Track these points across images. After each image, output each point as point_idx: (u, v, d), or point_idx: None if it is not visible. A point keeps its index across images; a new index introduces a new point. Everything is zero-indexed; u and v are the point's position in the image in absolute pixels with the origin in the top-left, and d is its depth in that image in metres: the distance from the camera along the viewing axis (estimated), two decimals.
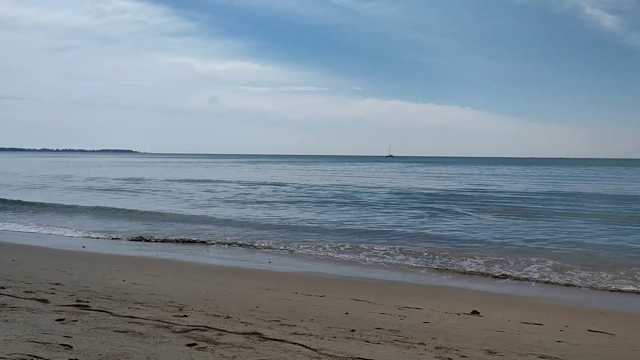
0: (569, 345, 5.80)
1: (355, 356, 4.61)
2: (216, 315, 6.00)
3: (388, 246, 15.38)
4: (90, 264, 11.17)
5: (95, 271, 9.98)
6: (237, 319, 5.84)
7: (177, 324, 5.35)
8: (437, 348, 5.21)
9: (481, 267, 12.75)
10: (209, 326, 5.34)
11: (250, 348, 4.59)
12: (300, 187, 40.64)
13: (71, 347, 4.27)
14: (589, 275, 11.95)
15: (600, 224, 20.42)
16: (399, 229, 18.85)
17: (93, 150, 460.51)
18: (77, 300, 6.34)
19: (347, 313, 6.88)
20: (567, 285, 11.38)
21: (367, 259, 13.96)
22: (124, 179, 49.38)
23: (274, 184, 45.27)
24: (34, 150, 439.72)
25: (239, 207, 26.14)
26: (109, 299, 6.75)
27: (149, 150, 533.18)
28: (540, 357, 5.10)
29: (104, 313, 5.73)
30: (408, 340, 5.46)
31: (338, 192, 36.64)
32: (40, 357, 3.91)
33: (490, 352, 5.16)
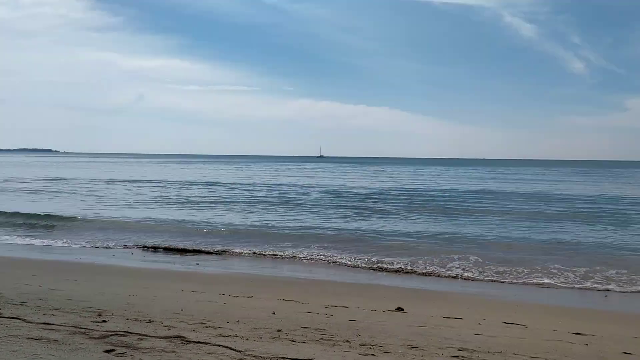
0: (485, 337, 6.06)
1: (281, 356, 4.61)
2: (138, 320, 5.82)
3: (317, 245, 15.50)
4: (3, 269, 10.55)
5: (9, 276, 9.42)
6: (160, 323, 5.69)
7: (95, 330, 5.14)
8: (361, 345, 5.30)
9: (407, 265, 13.09)
10: (130, 331, 5.17)
11: (172, 352, 4.49)
12: (231, 188, 40.17)
13: None
14: (507, 270, 12.55)
15: (517, 221, 21.50)
16: (328, 228, 19.03)
17: (9, 150, 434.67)
18: None
19: (274, 313, 6.87)
20: (486, 280, 11.90)
21: (295, 258, 14.00)
22: (44, 180, 46.91)
23: (205, 184, 44.48)
24: None
25: (165, 208, 25.49)
26: (23, 305, 6.39)
27: (71, 150, 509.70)
28: (459, 350, 5.29)
29: (17, 320, 5.42)
30: (334, 339, 5.52)
31: (268, 192, 36.52)
32: None
33: (412, 347, 5.31)
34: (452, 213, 24.58)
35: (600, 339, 6.45)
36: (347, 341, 5.42)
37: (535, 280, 11.77)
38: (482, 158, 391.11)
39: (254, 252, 14.65)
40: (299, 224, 20.04)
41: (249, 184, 45.10)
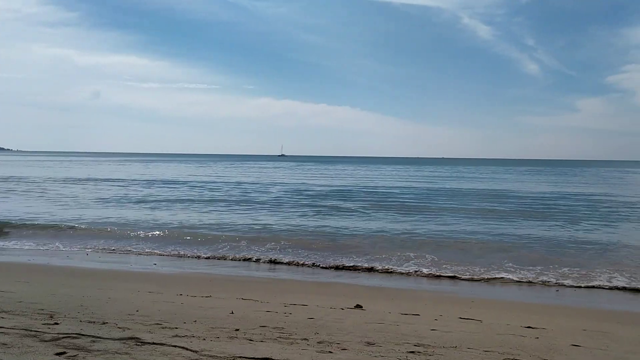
0: (441, 332, 6.17)
1: (237, 355, 4.58)
2: (91, 322, 5.68)
3: (277, 244, 15.45)
4: None
5: None
6: (114, 325, 5.57)
7: (46, 333, 4.99)
8: (319, 342, 5.31)
9: (365, 263, 13.20)
10: (82, 333, 5.04)
11: (126, 354, 4.40)
12: (191, 187, 39.63)
13: None
14: (463, 267, 12.81)
15: (473, 219, 21.96)
16: (288, 227, 19.00)
17: None
18: None
19: (232, 313, 6.82)
20: (443, 277, 12.12)
21: (255, 257, 13.93)
22: None
23: (163, 182, 43.74)
24: None
25: (122, 208, 24.94)
26: None
27: (24, 148, 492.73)
28: (415, 346, 5.37)
29: None
30: (292, 337, 5.52)
31: (228, 190, 36.20)
32: None
33: (369, 344, 5.36)
34: (410, 211, 24.92)
35: (550, 332, 6.65)
36: (305, 339, 5.43)
37: (491, 277, 12.05)
38: (441, 157, 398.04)
39: (209, 257, 14.48)
40: (258, 223, 19.94)
41: (208, 183, 44.59)
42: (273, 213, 23.46)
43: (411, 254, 14.06)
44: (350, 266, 12.95)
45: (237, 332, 5.61)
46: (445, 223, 20.70)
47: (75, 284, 9.30)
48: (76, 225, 18.73)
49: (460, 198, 32.60)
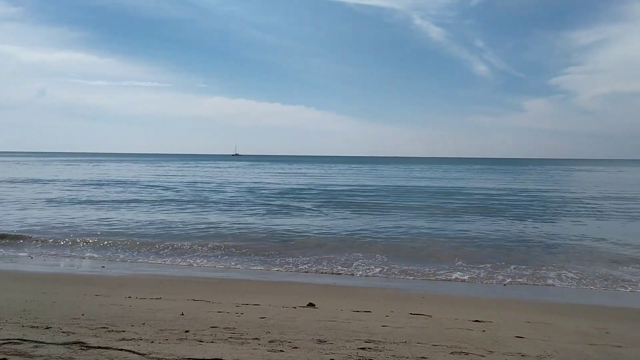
0: (392, 328, 6.27)
1: (187, 357, 4.52)
2: (34, 327, 5.49)
3: (227, 244, 15.32)
4: None
5: None
6: (59, 329, 5.40)
7: None
8: (270, 342, 5.30)
9: (319, 261, 13.25)
10: (25, 338, 4.87)
11: (70, 358, 4.28)
12: (141, 187, 38.76)
13: None
14: (414, 264, 13.04)
15: (423, 216, 22.38)
16: (239, 227, 18.85)
17: None
18: None
19: (182, 314, 6.72)
20: (394, 274, 12.29)
21: (206, 258, 13.76)
22: None
23: (111, 183, 42.61)
24: None
25: (66, 209, 24.15)
26: None
27: None
28: (366, 342, 5.44)
29: None
30: (243, 337, 5.49)
31: (180, 190, 35.61)
32: None
33: (321, 341, 5.39)
34: (362, 209, 25.16)
35: (496, 325, 6.86)
36: (257, 339, 5.41)
37: (441, 272, 12.31)
38: (395, 156, 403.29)
39: (160, 258, 14.23)
40: (210, 223, 19.70)
41: (159, 183, 43.75)
42: (225, 212, 23.24)
43: (360, 254, 14.21)
44: (303, 265, 12.96)
45: (187, 333, 5.54)
46: (396, 220, 21.00)
47: (18, 288, 8.94)
48: (22, 229, 18.02)
49: (411, 196, 33.18)
